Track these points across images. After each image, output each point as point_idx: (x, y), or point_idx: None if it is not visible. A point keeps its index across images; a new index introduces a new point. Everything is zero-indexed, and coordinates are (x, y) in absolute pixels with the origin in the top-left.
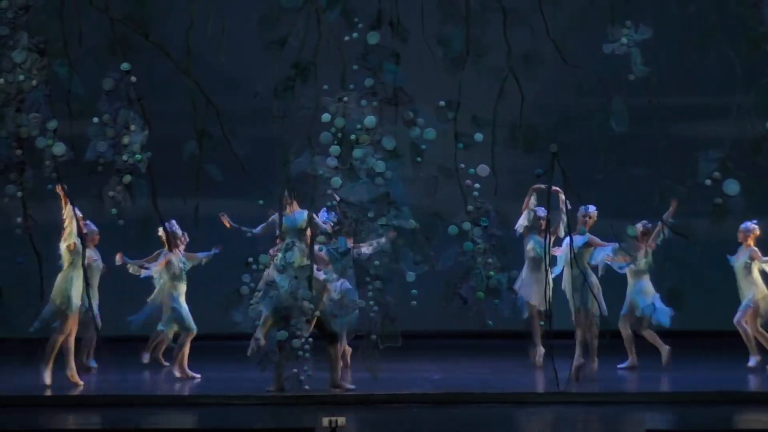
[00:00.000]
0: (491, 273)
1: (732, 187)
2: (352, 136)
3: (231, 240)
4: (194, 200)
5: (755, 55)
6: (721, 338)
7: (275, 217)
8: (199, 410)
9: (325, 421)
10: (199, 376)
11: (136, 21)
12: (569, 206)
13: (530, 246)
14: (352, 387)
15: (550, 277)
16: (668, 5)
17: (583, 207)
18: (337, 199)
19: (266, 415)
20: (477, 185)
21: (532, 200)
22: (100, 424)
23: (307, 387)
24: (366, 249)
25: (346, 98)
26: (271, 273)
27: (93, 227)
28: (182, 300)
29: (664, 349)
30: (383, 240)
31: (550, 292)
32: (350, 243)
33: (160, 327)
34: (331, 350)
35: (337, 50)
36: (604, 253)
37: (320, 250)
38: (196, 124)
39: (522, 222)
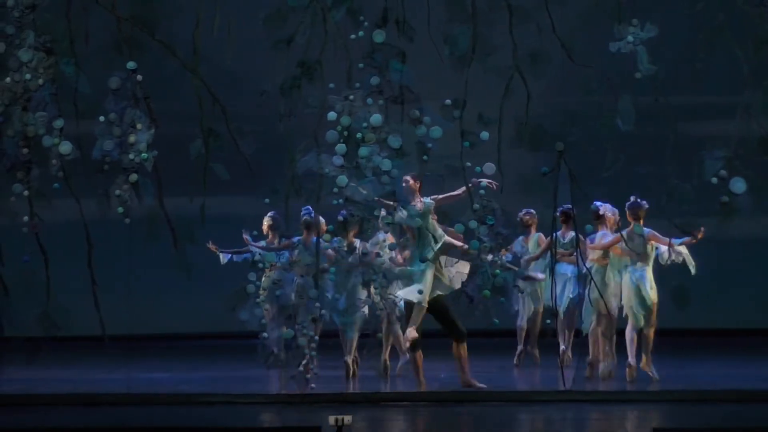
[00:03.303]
0: (497, 271)
1: (739, 185)
2: (358, 135)
3: (235, 238)
4: (200, 199)
5: (762, 53)
6: (728, 336)
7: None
8: (204, 409)
9: (332, 419)
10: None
11: (142, 20)
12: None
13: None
14: (483, 386)
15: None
16: (675, 3)
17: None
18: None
19: (272, 414)
20: (483, 183)
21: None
22: (103, 423)
23: (313, 385)
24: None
25: (352, 97)
26: (277, 271)
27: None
28: None
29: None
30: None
31: (556, 291)
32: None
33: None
34: (461, 350)
35: (343, 49)
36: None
37: (325, 248)
38: (203, 123)
39: None
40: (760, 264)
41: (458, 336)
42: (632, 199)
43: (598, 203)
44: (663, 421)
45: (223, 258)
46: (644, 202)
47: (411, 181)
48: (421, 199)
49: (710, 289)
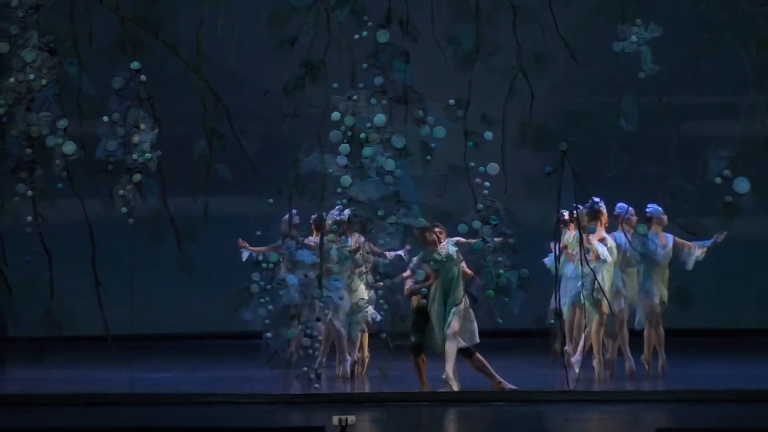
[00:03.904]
0: (501, 271)
1: (742, 185)
2: (362, 135)
3: (236, 238)
4: (204, 199)
5: (765, 53)
6: (729, 336)
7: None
8: (208, 409)
9: (335, 419)
10: None
11: (146, 20)
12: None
13: None
14: (514, 387)
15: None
16: (679, 3)
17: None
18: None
19: (275, 414)
20: (487, 183)
21: None
22: (105, 423)
23: (317, 386)
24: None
25: (355, 97)
26: (281, 271)
27: None
28: None
29: None
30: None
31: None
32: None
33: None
34: (475, 362)
35: (346, 49)
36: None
37: (329, 249)
38: (206, 123)
39: None
40: (762, 264)
41: (467, 353)
42: (591, 200)
43: (620, 204)
44: (665, 421)
45: (245, 255)
46: (602, 204)
47: (439, 234)
48: (444, 244)
49: (711, 289)
